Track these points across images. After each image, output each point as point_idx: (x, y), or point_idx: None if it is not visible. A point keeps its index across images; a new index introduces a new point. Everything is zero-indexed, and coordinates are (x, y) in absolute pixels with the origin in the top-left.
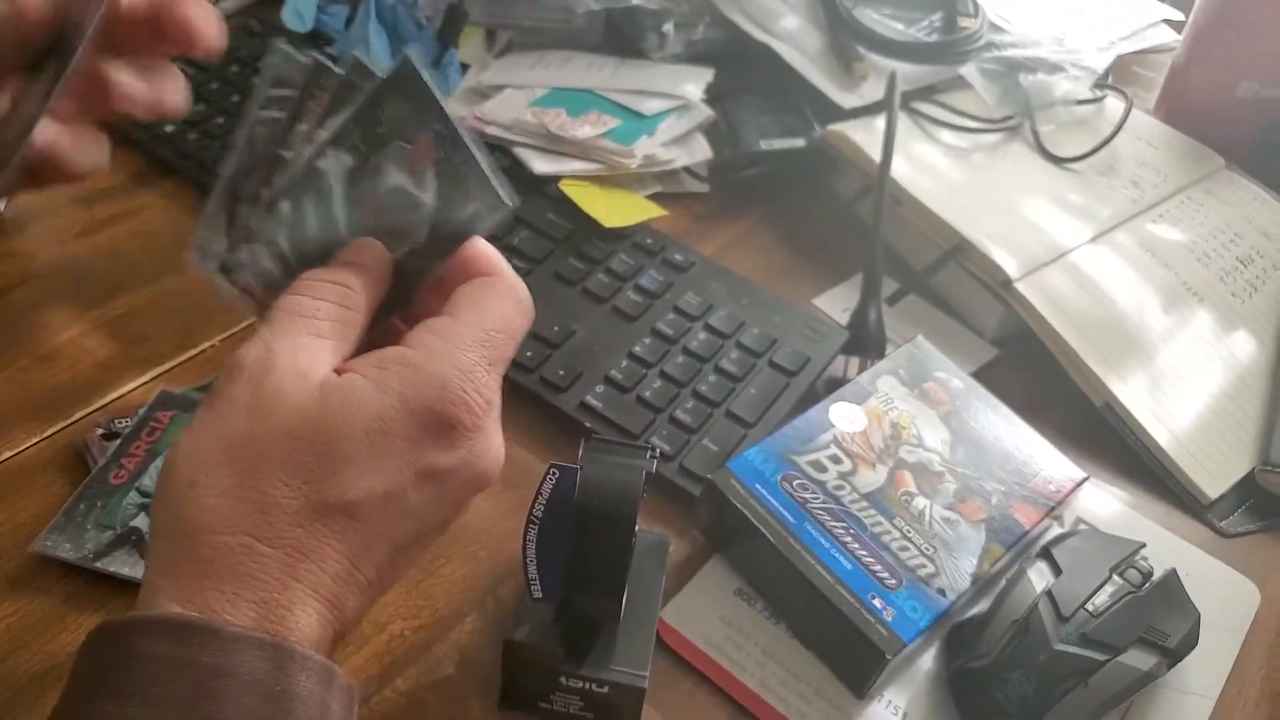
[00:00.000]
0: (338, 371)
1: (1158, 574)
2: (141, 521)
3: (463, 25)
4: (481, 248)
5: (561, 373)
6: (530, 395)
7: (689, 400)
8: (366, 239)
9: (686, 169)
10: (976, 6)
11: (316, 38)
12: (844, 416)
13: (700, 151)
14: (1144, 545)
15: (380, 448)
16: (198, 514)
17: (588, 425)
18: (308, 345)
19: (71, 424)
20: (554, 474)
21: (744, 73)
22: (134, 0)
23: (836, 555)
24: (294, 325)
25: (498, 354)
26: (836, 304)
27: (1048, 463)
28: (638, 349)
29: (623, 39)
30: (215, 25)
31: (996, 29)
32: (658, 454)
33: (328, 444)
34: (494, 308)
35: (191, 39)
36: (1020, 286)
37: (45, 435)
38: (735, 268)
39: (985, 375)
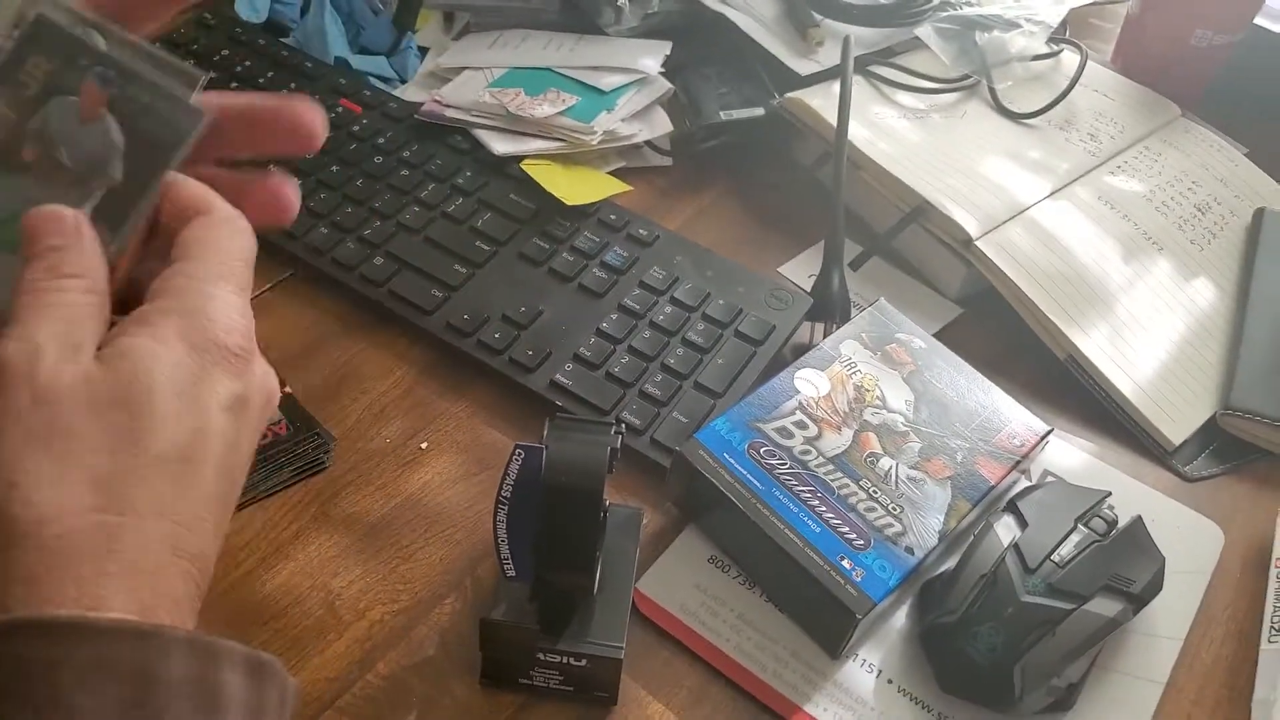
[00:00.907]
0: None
1: (1123, 522)
2: None
3: (418, 9)
4: (190, 189)
5: (530, 353)
6: (499, 376)
7: (658, 374)
8: (46, 210)
9: (648, 143)
10: None
11: (272, 27)
12: (808, 382)
13: (661, 125)
14: (1109, 494)
15: (186, 392)
16: (28, 509)
17: (558, 404)
18: (67, 328)
19: None
20: (520, 454)
21: (702, 44)
22: (233, 102)
23: (805, 519)
24: (45, 314)
25: (241, 281)
26: (802, 271)
27: (1012, 418)
28: (605, 325)
29: (579, 15)
30: (321, 120)
31: None
32: (622, 429)
33: (136, 403)
34: (222, 239)
35: (301, 136)
36: (981, 244)
37: None
38: (700, 240)
39: (950, 334)
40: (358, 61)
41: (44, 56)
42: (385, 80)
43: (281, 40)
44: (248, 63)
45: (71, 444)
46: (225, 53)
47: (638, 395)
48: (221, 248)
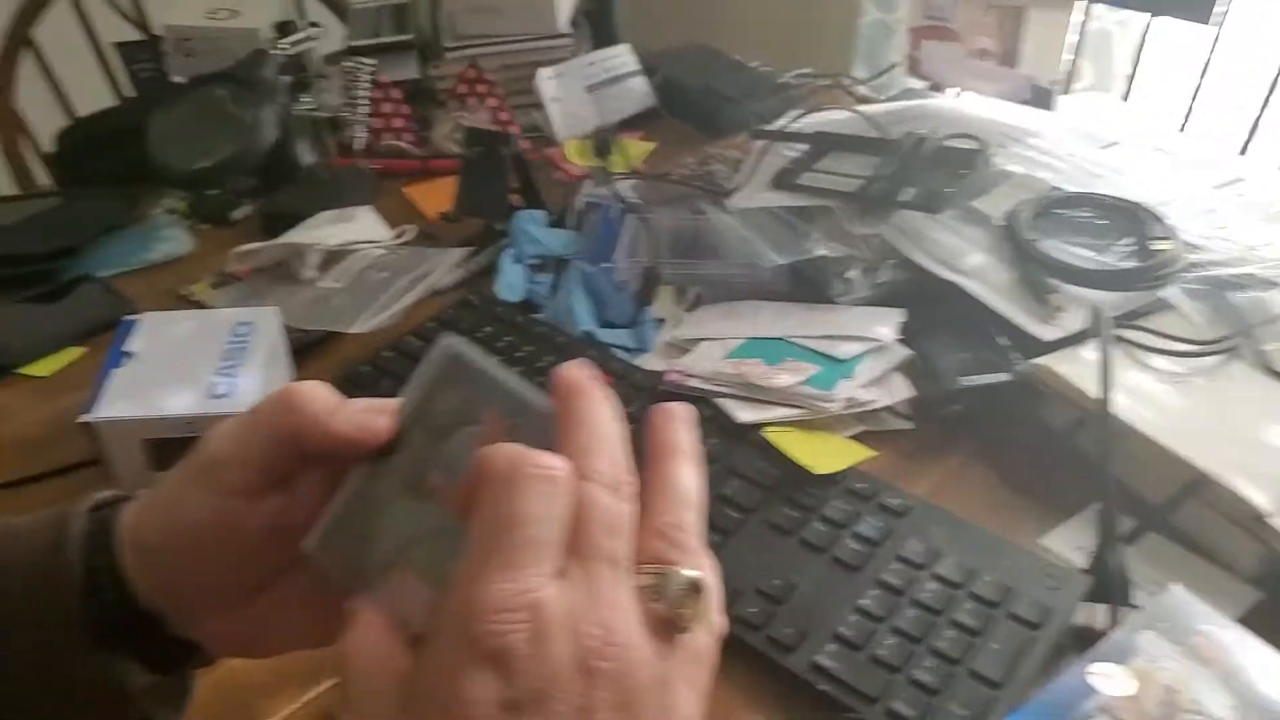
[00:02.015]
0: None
1: None
2: None
3: (657, 285)
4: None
5: (788, 630)
6: (757, 656)
7: (926, 658)
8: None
9: (889, 408)
10: (1168, 228)
11: (527, 306)
12: (1108, 680)
13: (901, 390)
14: None
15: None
16: None
17: (821, 688)
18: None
19: None
20: None
21: (934, 310)
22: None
23: None
24: None
25: (509, 555)
26: (1067, 543)
27: None
28: (865, 602)
29: (809, 286)
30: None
31: (1193, 247)
32: None
33: None
34: (484, 504)
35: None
36: (1277, 522)
37: None
38: (951, 506)
39: (1252, 623)
40: (602, 334)
41: (454, 391)
42: (628, 350)
43: (534, 317)
44: (509, 338)
45: None
46: (488, 330)
47: (907, 682)
48: (477, 516)
